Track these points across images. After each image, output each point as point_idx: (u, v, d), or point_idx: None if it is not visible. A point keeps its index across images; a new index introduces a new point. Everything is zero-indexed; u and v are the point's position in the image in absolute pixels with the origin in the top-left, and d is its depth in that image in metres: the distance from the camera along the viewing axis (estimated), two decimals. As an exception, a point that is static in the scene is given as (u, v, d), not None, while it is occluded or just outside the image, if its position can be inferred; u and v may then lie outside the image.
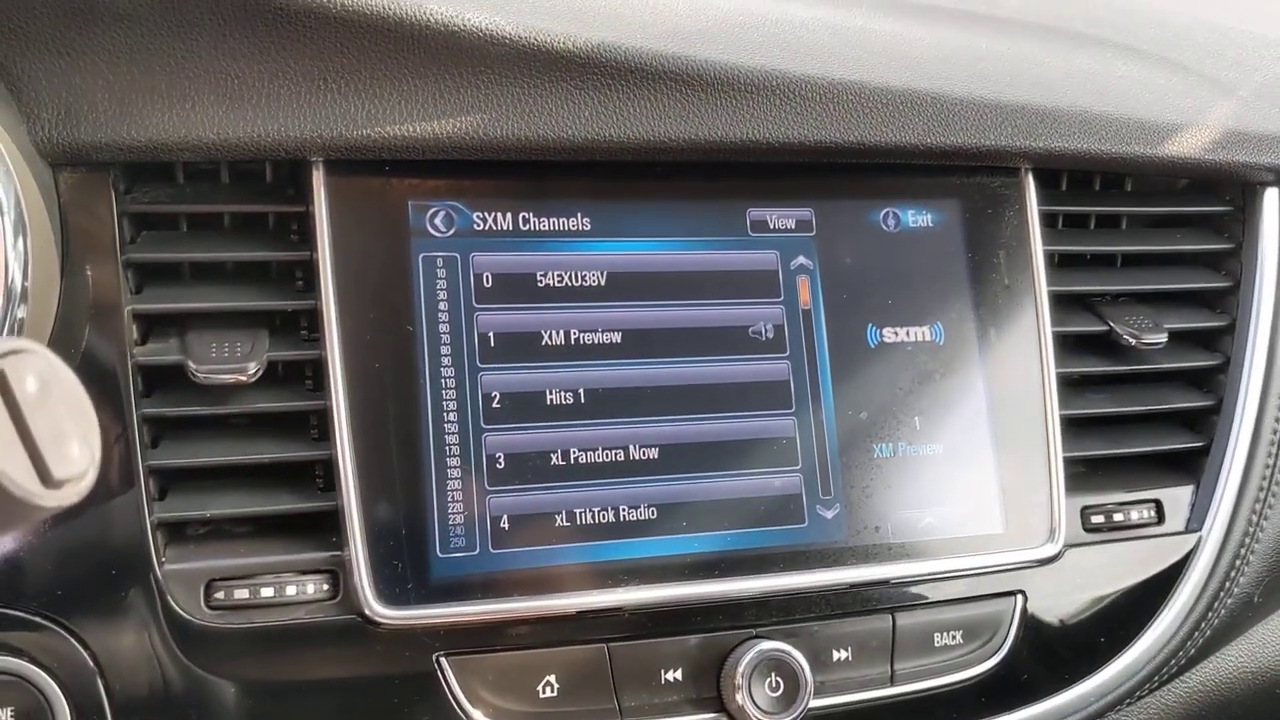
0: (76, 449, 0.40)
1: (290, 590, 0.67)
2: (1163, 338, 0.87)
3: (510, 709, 0.70)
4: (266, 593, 0.67)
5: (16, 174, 0.63)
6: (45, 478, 0.39)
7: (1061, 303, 0.87)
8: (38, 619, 0.64)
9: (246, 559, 0.68)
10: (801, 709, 0.73)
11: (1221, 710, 0.96)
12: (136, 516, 0.66)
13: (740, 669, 0.72)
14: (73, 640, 0.65)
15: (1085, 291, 0.89)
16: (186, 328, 0.70)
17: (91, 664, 0.65)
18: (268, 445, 0.70)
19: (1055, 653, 0.82)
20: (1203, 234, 0.94)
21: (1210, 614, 0.86)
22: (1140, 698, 0.86)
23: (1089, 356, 0.88)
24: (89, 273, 0.68)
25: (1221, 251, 0.93)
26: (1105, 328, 0.87)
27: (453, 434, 0.71)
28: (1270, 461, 0.89)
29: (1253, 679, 0.96)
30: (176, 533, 0.69)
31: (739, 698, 0.72)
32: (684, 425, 0.76)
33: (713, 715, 0.73)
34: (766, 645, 0.73)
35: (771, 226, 0.80)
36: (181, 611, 0.66)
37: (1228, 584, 0.87)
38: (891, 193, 0.83)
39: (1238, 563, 0.87)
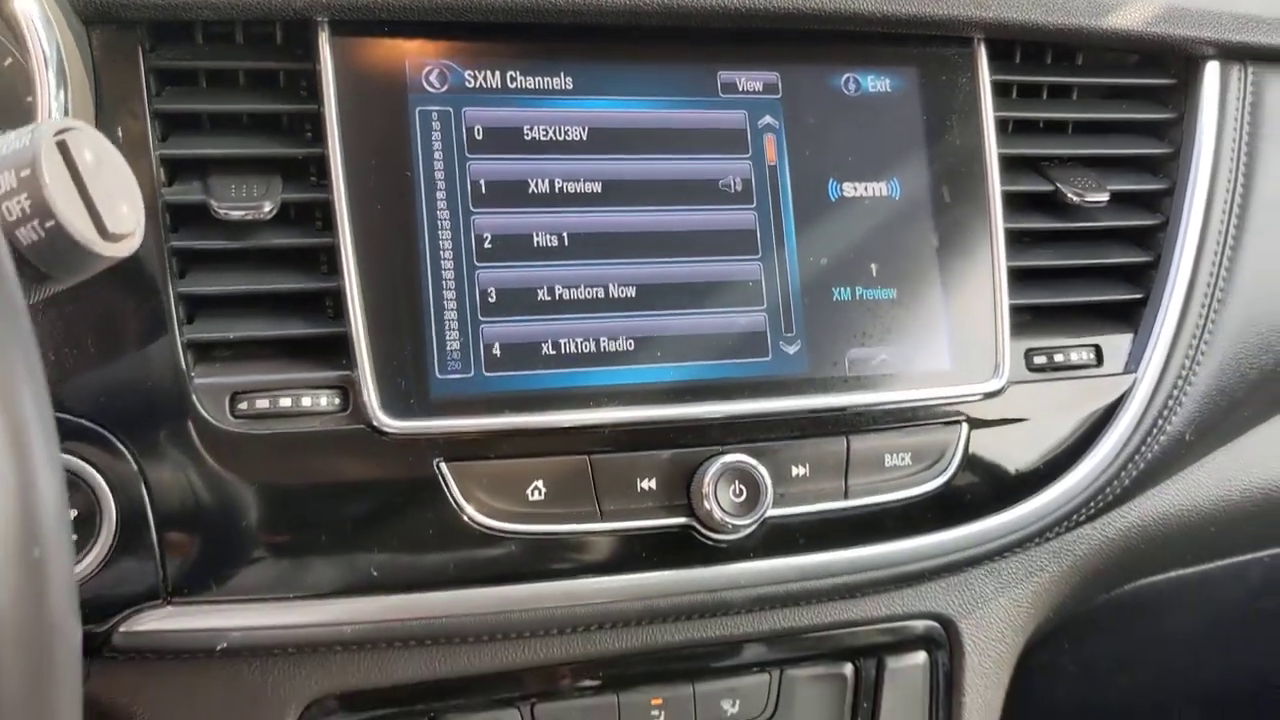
0: (126, 209, 0.48)
1: (306, 401, 0.76)
2: (1104, 197, 0.94)
3: (503, 509, 0.79)
4: (285, 403, 0.76)
5: (58, 30, 0.71)
6: (103, 231, 0.47)
7: (1011, 165, 0.94)
8: (88, 424, 0.73)
9: (266, 375, 0.76)
10: (762, 513, 0.81)
11: (1160, 546, 1.04)
12: (169, 337, 0.75)
13: (708, 477, 0.81)
14: (119, 444, 0.73)
15: (1034, 155, 0.96)
16: (208, 173, 0.78)
17: (135, 467, 0.74)
18: (283, 278, 0.78)
19: (997, 477, 0.90)
20: (1148, 105, 1.01)
21: (1144, 448, 0.94)
22: (1079, 523, 0.94)
23: (1036, 214, 0.95)
24: (120, 122, 0.76)
25: (1165, 121, 1.00)
26: (1051, 188, 0.94)
27: (448, 270, 0.79)
28: (1203, 313, 0.96)
29: (1186, 516, 1.04)
30: (204, 353, 0.77)
31: (706, 504, 0.81)
32: (659, 267, 0.84)
33: (683, 520, 0.82)
34: (731, 457, 0.81)
35: (740, 88, 0.87)
36: (210, 419, 0.75)
37: (1160, 421, 0.95)
38: (852, 59, 0.90)
39: (1170, 403, 0.95)
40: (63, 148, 0.46)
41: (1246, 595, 1.18)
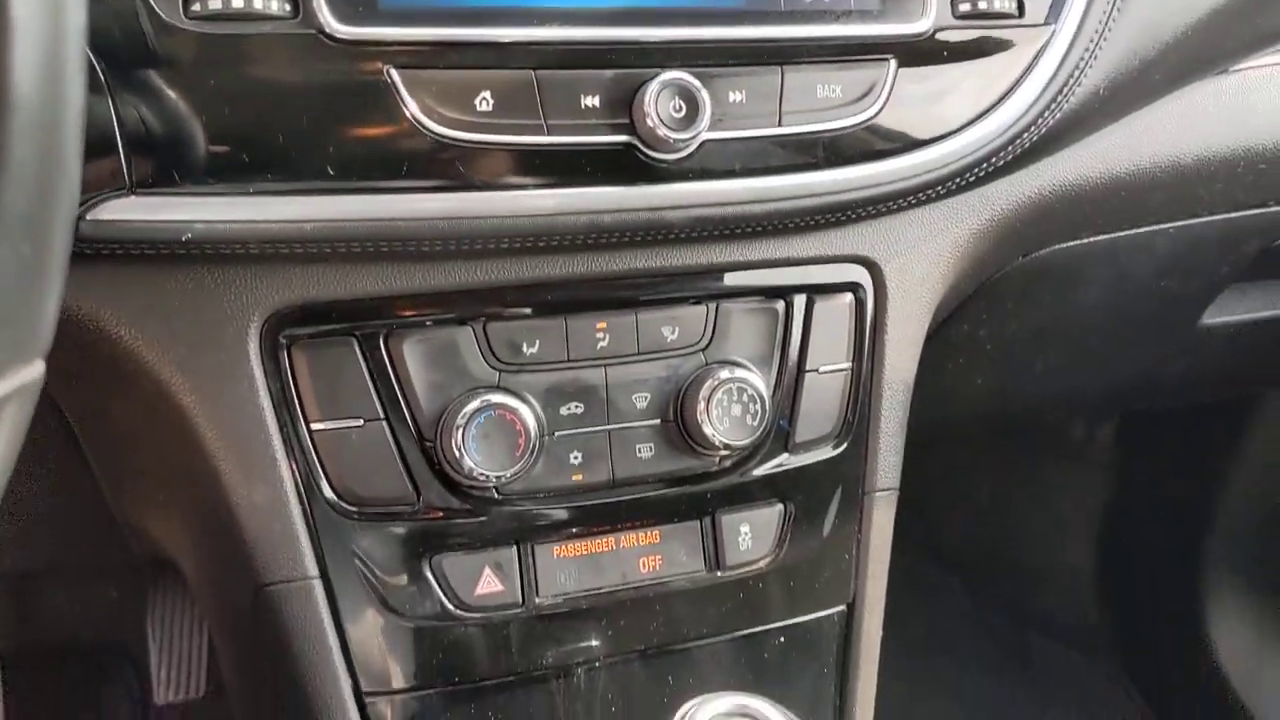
0: None
1: (258, 4, 0.77)
2: None
3: (452, 117, 0.82)
4: (237, 4, 0.77)
5: None
6: None
7: None
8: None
9: None
10: (700, 129, 0.85)
11: (1073, 207, 1.11)
12: None
13: (649, 94, 0.84)
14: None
15: None
16: None
17: (93, 61, 0.75)
18: None
19: (921, 115, 0.95)
20: None
21: (1060, 97, 0.99)
22: (998, 167, 0.99)
23: None
24: None
25: None
26: None
27: None
28: (1120, -25, 1.01)
29: (1098, 179, 1.10)
30: (153, -39, 0.78)
31: (649, 121, 0.84)
32: None
33: (625, 137, 0.86)
34: (671, 74, 0.85)
35: None
36: (164, 17, 0.76)
37: (1076, 73, 0.99)
38: None
39: (1087, 55, 0.99)
40: None
41: (1153, 270, 1.26)
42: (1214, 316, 1.40)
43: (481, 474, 0.90)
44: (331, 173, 0.80)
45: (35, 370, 0.54)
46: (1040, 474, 2.20)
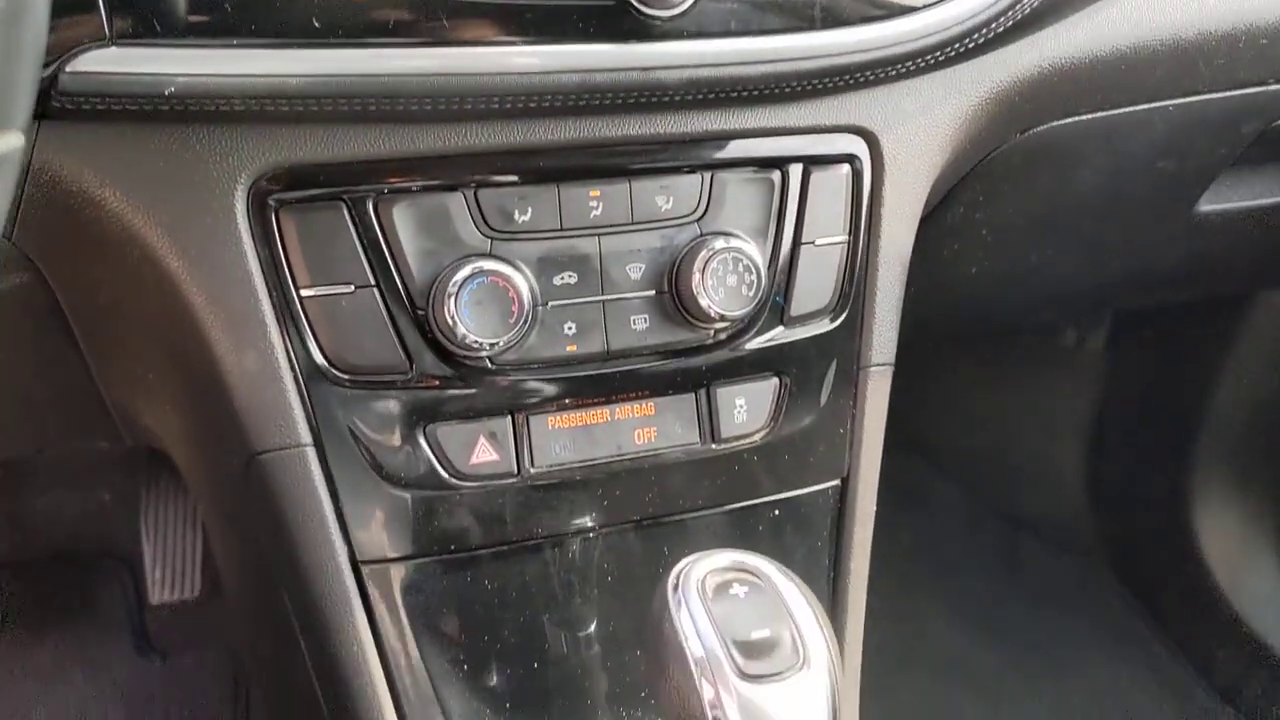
0: None
1: None
2: None
3: None
4: None
5: None
6: None
7: None
8: None
9: None
10: None
11: (1072, 82, 1.09)
12: None
13: None
14: None
15: None
16: None
17: None
18: None
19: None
20: None
21: (1056, -36, 0.97)
22: (997, 33, 0.97)
23: None
24: None
25: None
26: None
27: None
28: None
29: (1098, 52, 1.08)
30: None
31: None
32: None
33: None
34: None
35: None
36: None
37: (1073, -60, 0.98)
38: None
39: (1088, -85, 0.98)
40: None
41: (1150, 150, 1.24)
42: (1210, 203, 1.39)
43: (475, 341, 0.89)
44: (316, 26, 0.79)
45: (14, 140, 0.52)
46: (1034, 377, 2.21)
